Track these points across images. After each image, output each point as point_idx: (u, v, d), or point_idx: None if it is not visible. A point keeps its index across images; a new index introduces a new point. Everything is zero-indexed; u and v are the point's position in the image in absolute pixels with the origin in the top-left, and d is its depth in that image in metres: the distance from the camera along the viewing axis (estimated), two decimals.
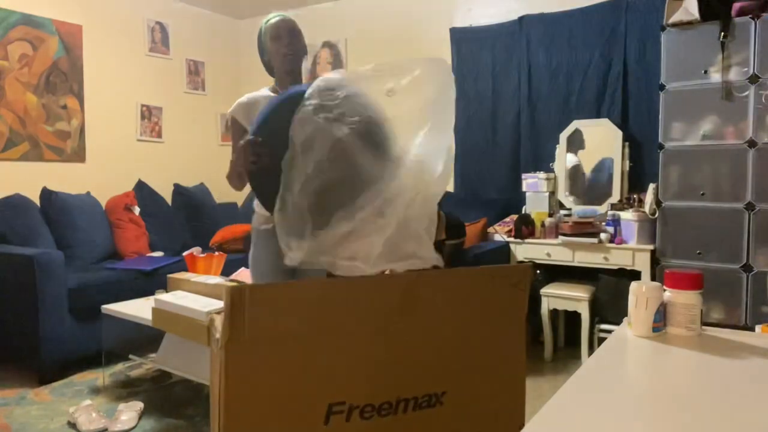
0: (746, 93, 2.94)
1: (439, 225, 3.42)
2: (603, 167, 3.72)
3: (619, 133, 3.63)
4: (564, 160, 3.82)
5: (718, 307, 3.05)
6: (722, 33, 2.95)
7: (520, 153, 4.05)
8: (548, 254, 3.53)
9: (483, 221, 3.75)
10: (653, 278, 3.18)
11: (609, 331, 3.31)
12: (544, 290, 3.47)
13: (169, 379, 3.10)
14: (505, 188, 4.11)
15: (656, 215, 3.20)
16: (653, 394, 0.81)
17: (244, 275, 2.97)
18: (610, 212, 3.46)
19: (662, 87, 3.14)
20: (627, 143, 3.63)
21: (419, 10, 4.47)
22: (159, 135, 4.74)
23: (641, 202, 3.46)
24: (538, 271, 3.59)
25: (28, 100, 3.88)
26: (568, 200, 3.80)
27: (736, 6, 2.94)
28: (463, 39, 4.24)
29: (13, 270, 3.13)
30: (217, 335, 1.89)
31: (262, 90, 2.22)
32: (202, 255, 3.21)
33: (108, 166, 4.35)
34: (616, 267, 3.33)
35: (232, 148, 1.85)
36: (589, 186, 3.77)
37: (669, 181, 3.16)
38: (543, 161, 3.92)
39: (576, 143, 3.81)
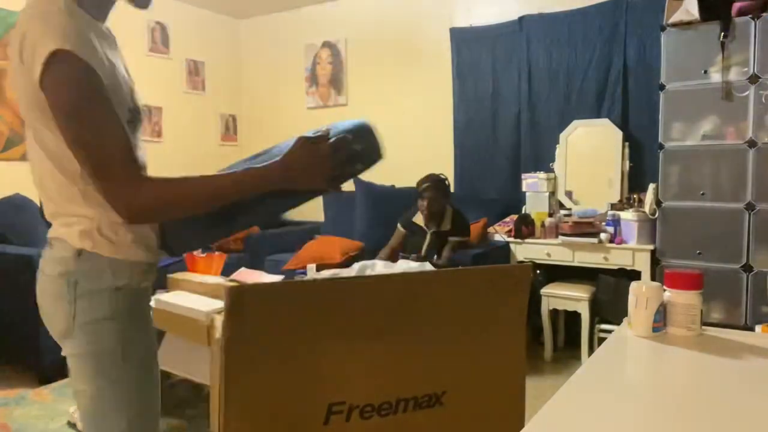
0: (746, 93, 2.94)
1: (447, 217, 3.47)
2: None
3: (619, 133, 3.63)
4: (564, 160, 3.82)
5: (718, 307, 3.05)
6: (722, 33, 2.95)
7: (520, 153, 4.05)
8: (548, 254, 3.52)
9: (483, 221, 3.75)
10: (653, 278, 3.18)
11: (609, 331, 3.31)
12: (544, 290, 3.48)
13: (169, 379, 3.10)
14: (505, 188, 4.11)
15: (656, 215, 3.20)
16: (653, 394, 0.81)
17: (244, 275, 2.97)
18: (610, 212, 3.46)
19: (662, 87, 3.14)
20: (627, 143, 3.63)
21: (419, 10, 4.47)
22: (159, 135, 4.74)
23: (641, 202, 3.46)
24: (538, 271, 3.59)
25: None
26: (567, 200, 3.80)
27: (736, 6, 2.94)
28: (463, 39, 4.24)
29: (13, 270, 3.13)
30: (217, 335, 1.89)
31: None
32: (202, 255, 3.21)
33: None
34: (616, 267, 3.33)
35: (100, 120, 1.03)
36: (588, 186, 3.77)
37: (669, 181, 3.16)
38: (543, 161, 3.92)
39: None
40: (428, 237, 3.44)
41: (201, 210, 1.13)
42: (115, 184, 1.02)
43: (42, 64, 0.96)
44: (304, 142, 1.14)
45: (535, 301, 3.44)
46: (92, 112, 1.00)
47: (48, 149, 1.05)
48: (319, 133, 1.16)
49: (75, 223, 1.08)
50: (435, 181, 3.45)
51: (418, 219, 3.52)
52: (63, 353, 1.18)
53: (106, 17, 1.14)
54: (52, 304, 1.14)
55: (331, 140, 1.15)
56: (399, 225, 3.58)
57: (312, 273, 3.14)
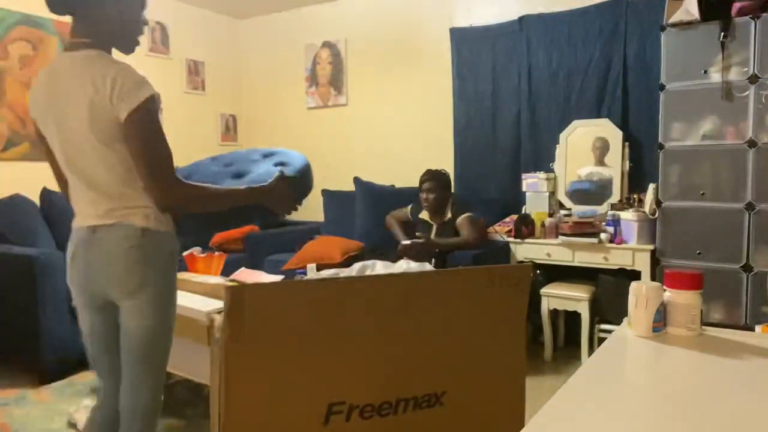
0: (746, 93, 2.94)
1: (449, 207, 3.55)
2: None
3: (619, 133, 3.63)
4: (564, 160, 3.82)
5: (718, 307, 3.05)
6: (722, 33, 2.95)
7: (520, 153, 4.05)
8: (548, 254, 3.53)
9: (483, 221, 3.75)
10: (653, 278, 3.18)
11: (609, 331, 3.31)
12: (544, 290, 3.48)
13: (169, 379, 3.09)
14: (505, 188, 4.11)
15: (656, 215, 3.20)
16: (653, 394, 0.81)
17: (244, 275, 2.97)
18: (610, 212, 3.46)
19: (662, 87, 3.14)
20: (627, 143, 3.63)
21: (419, 10, 4.47)
22: None
23: (641, 202, 3.46)
24: (538, 271, 3.59)
25: (28, 101, 3.88)
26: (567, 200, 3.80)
27: (736, 6, 2.94)
28: (463, 39, 4.24)
29: (13, 270, 3.13)
30: (217, 335, 1.89)
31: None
32: (202, 255, 3.21)
33: None
34: (616, 267, 3.33)
35: (162, 141, 1.52)
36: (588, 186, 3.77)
37: (669, 181, 3.16)
38: (543, 161, 3.93)
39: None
40: (434, 229, 3.51)
41: (212, 209, 1.71)
42: (165, 186, 1.49)
43: (138, 104, 1.43)
44: (282, 178, 1.76)
45: (535, 301, 3.44)
46: (161, 137, 1.52)
47: (110, 163, 1.48)
48: (286, 174, 1.79)
49: (136, 213, 1.51)
50: (435, 174, 3.56)
51: (424, 215, 3.59)
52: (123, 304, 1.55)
53: None
54: (126, 269, 1.50)
55: (294, 178, 1.85)
56: (388, 216, 3.79)
57: (312, 273, 3.14)
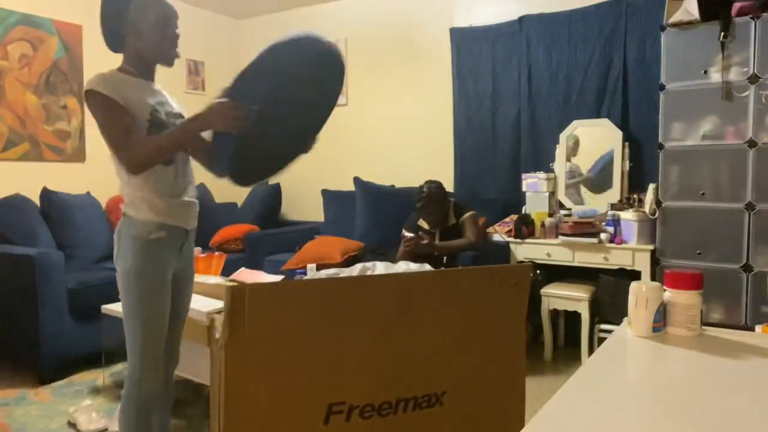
0: (746, 93, 2.94)
1: (450, 213, 3.48)
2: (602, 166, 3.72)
3: (619, 133, 3.63)
4: (564, 159, 3.82)
5: (718, 307, 3.05)
6: (722, 33, 2.95)
7: (520, 153, 4.05)
8: (548, 254, 3.52)
9: (483, 221, 3.75)
10: (653, 278, 3.18)
11: (609, 331, 3.31)
12: (544, 290, 3.48)
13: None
14: (505, 188, 4.11)
15: (656, 215, 3.20)
16: (653, 394, 0.81)
17: (244, 275, 2.97)
18: (610, 212, 3.46)
19: (662, 87, 3.14)
20: (627, 143, 3.63)
21: (419, 10, 4.47)
22: None
23: (641, 202, 3.46)
24: (538, 271, 3.59)
25: (28, 100, 3.88)
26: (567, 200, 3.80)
27: (736, 6, 2.94)
28: (463, 39, 4.24)
29: (13, 270, 3.13)
30: (217, 335, 1.89)
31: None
32: (202, 255, 3.21)
33: (108, 166, 4.29)
34: (616, 267, 3.33)
35: (109, 125, 1.80)
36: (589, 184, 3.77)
37: (669, 181, 3.16)
38: (543, 161, 3.93)
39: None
40: (438, 235, 3.48)
41: (170, 151, 1.83)
42: (117, 154, 1.80)
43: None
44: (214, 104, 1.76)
45: (535, 301, 3.44)
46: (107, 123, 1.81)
47: None
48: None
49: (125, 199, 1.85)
50: (429, 193, 3.41)
51: (422, 223, 3.51)
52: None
53: (150, 77, 1.96)
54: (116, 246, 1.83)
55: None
56: (404, 230, 3.54)
57: (312, 273, 3.14)
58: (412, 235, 3.35)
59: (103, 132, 1.79)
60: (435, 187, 3.43)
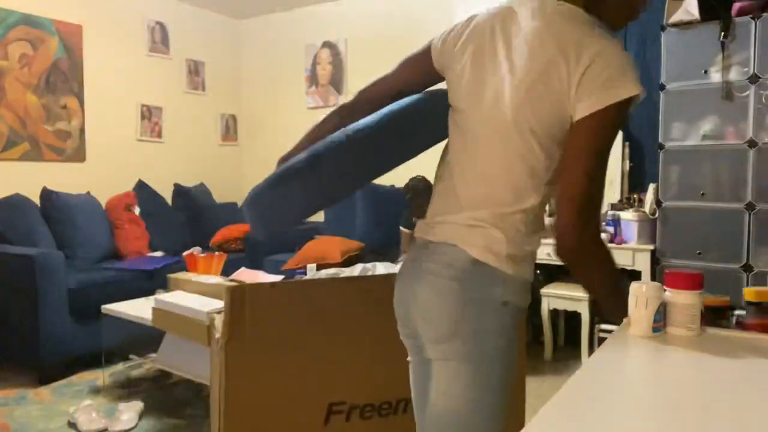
0: (746, 93, 2.94)
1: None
2: None
3: (619, 133, 3.63)
4: None
5: None
6: (722, 33, 2.94)
7: None
8: (548, 254, 3.52)
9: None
10: (653, 278, 3.18)
11: (609, 331, 3.30)
12: (544, 290, 3.47)
13: (169, 379, 3.10)
14: None
15: (656, 215, 3.20)
16: (653, 394, 0.81)
17: (244, 275, 2.97)
18: (610, 212, 3.46)
19: (662, 87, 3.14)
20: (627, 143, 3.63)
21: (419, 10, 4.47)
22: (159, 135, 4.74)
23: (641, 202, 3.46)
24: (538, 272, 3.59)
25: (28, 100, 3.88)
26: None
27: (736, 6, 2.94)
28: None
29: (13, 270, 3.13)
30: (217, 335, 1.90)
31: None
32: (202, 255, 3.21)
33: (108, 166, 4.35)
34: None
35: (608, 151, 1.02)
36: None
37: (669, 181, 3.16)
38: None
39: None
40: None
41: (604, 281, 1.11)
42: (584, 220, 1.01)
43: (612, 104, 0.97)
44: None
45: (535, 301, 3.44)
46: (607, 157, 1.02)
47: (527, 161, 1.05)
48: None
49: (480, 234, 1.09)
50: (415, 189, 3.46)
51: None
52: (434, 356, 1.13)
53: None
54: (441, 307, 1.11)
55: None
56: (402, 227, 3.57)
57: (312, 273, 3.14)
58: (410, 232, 3.36)
59: (597, 159, 1.01)
60: (419, 179, 3.48)
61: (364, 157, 1.15)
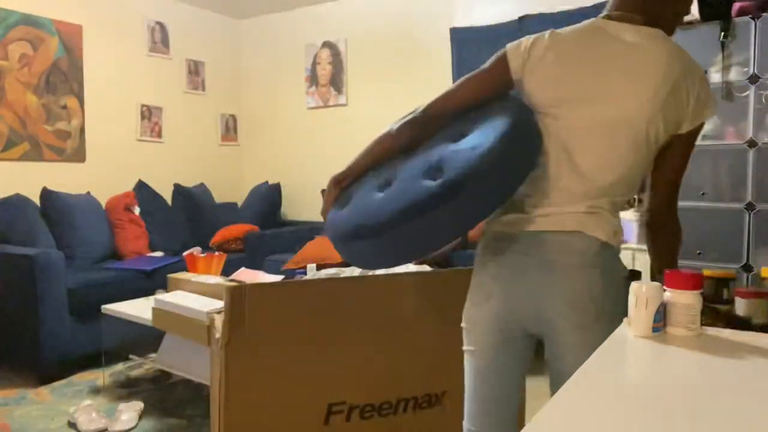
0: (746, 93, 2.94)
1: None
2: None
3: None
4: None
5: None
6: (722, 33, 2.94)
7: None
8: None
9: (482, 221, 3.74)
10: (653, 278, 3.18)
11: None
12: None
13: (169, 379, 3.10)
14: None
15: None
16: (653, 394, 0.81)
17: (244, 275, 2.97)
18: None
19: None
20: None
21: (419, 10, 4.47)
22: (159, 135, 4.74)
23: (642, 202, 3.45)
24: None
25: (28, 100, 3.89)
26: None
27: (736, 6, 2.94)
28: (464, 39, 4.24)
29: (13, 270, 3.13)
30: (217, 335, 1.90)
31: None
32: (202, 255, 3.21)
33: (108, 166, 4.35)
34: None
35: None
36: None
37: None
38: None
39: None
40: None
41: None
42: (674, 199, 1.34)
43: (700, 124, 1.25)
44: None
45: None
46: None
47: (648, 161, 1.28)
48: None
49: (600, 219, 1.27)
50: None
51: None
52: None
53: None
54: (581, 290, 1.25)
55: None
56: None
57: (312, 273, 3.14)
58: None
59: (689, 158, 1.30)
60: None
61: (503, 177, 1.22)
